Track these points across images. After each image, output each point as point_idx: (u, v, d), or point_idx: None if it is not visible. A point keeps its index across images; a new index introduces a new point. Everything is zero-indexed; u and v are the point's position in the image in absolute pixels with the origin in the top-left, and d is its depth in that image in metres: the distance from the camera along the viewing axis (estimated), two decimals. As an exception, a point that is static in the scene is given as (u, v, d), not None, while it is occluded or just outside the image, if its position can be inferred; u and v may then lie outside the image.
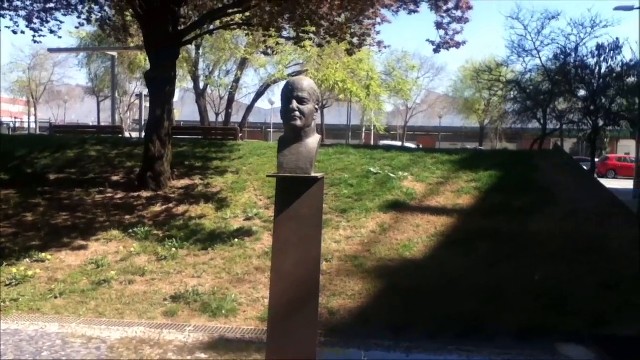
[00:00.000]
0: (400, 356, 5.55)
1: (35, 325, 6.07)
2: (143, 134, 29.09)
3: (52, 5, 12.23)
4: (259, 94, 33.31)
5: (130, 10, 12.12)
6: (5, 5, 11.83)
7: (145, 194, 10.59)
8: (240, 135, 20.44)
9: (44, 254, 7.98)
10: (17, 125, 52.00)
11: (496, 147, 44.57)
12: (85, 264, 7.83)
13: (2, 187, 11.08)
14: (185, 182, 11.32)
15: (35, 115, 51.04)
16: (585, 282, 7.03)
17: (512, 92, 23.55)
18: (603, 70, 20.11)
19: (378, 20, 10.81)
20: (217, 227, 9.10)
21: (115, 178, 11.67)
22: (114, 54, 26.36)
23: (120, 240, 8.64)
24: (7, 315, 6.37)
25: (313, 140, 4.06)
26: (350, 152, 12.93)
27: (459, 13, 10.14)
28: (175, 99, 23.52)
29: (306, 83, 3.94)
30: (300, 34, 11.93)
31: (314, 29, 10.72)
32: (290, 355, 3.91)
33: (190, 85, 33.92)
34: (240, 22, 12.09)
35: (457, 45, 10.67)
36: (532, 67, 23.37)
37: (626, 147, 44.91)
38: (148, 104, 12.26)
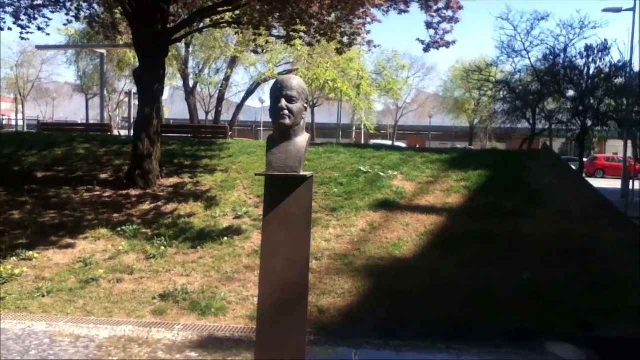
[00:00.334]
0: (391, 354, 5.56)
1: (22, 324, 6.00)
2: (132, 132, 28.99)
3: (39, 2, 12.09)
4: (249, 93, 33.25)
5: (119, 8, 12.04)
6: (-8, 2, 11.70)
7: (133, 192, 10.52)
8: (230, 133, 20.33)
9: (31, 253, 7.90)
10: (5, 122, 51.42)
11: (486, 147, 44.83)
12: (73, 262, 7.76)
13: (-11, 185, 10.96)
14: (174, 180, 11.26)
15: (23, 113, 50.53)
16: (575, 283, 7.06)
17: (501, 92, 23.69)
18: (592, 71, 20.29)
19: (368, 19, 10.82)
20: (206, 225, 9.06)
21: (103, 176, 11.59)
22: (103, 51, 26.16)
23: (109, 238, 8.58)
24: (-7, 314, 6.31)
25: (302, 139, 4.05)
26: (340, 151, 12.93)
27: (449, 13, 10.19)
28: (165, 96, 23.38)
29: (295, 82, 3.93)
30: (291, 33, 11.90)
31: (304, 27, 10.70)
32: (279, 356, 3.90)
33: (180, 83, 33.79)
34: (230, 20, 12.04)
35: (447, 44, 10.71)
36: (521, 67, 23.56)
37: (614, 147, 45.26)
38: (137, 102, 12.18)
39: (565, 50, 21.43)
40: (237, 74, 40.04)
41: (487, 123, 31.93)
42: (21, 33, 12.28)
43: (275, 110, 3.88)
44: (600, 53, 20.15)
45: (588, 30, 21.97)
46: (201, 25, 13.50)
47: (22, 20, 12.12)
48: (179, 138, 16.31)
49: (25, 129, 39.93)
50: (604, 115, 20.79)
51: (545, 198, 9.87)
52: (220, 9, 11.28)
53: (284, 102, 3.84)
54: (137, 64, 12.12)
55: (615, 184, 23.53)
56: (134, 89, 34.14)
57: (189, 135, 18.75)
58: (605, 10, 21.78)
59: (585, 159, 27.00)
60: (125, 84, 42.55)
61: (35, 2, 12.00)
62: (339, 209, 9.45)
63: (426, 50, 10.99)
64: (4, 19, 12.08)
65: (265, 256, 4.03)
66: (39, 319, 6.20)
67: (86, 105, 48.62)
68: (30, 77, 51.40)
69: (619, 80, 20.35)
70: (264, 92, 40.69)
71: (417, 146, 25.43)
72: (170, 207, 9.88)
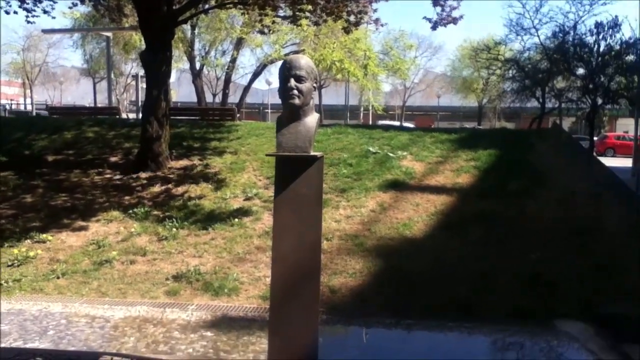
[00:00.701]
0: (402, 333, 5.61)
1: (39, 305, 6.11)
2: (140, 115, 29.02)
3: (45, -16, 12.05)
4: (256, 75, 33.08)
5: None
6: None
7: (143, 174, 10.57)
8: (238, 115, 20.31)
9: (44, 235, 7.99)
10: (13, 107, 51.64)
11: (495, 127, 44.53)
12: (86, 244, 7.85)
13: (0, 169, 11.05)
14: (183, 162, 11.30)
15: (32, 97, 50.67)
16: (580, 263, 7.06)
17: (510, 71, 23.40)
18: (602, 49, 19.95)
19: (374, -3, 10.73)
20: (216, 207, 9.11)
21: (113, 159, 11.65)
22: (109, 34, 26.07)
23: (121, 220, 8.65)
24: (10, 295, 6.41)
25: (312, 119, 4.03)
26: (349, 132, 12.90)
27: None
28: (172, 79, 23.35)
29: (304, 61, 3.89)
30: (296, 13, 11.80)
31: (310, 7, 10.60)
32: (292, 336, 3.94)
33: (187, 65, 33.66)
34: (236, 1, 11.94)
35: (454, 20, 10.55)
36: (530, 45, 23.19)
37: (624, 126, 44.84)
38: (144, 85, 12.14)
39: (574, 27, 21.02)
40: (243, 55, 39.95)
41: (496, 102, 31.67)
42: (27, 16, 12.27)
43: (284, 90, 3.87)
44: (610, 30, 19.73)
45: (598, 7, 21.69)
46: (206, 6, 13.41)
47: (28, 4, 12.09)
48: (187, 120, 16.35)
49: (34, 114, 40.07)
50: (614, 93, 20.50)
51: (556, 177, 9.82)
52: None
53: (293, 82, 3.82)
54: (143, 47, 12.07)
55: (626, 162, 23.36)
56: (141, 72, 34.08)
57: (197, 117, 18.77)
58: (616, -15, 21.38)
59: (595, 138, 26.76)
60: (132, 67, 42.43)
61: (40, -15, 11.96)
62: (349, 189, 9.46)
63: (434, 27, 10.85)
64: (9, 2, 12.03)
65: (277, 237, 4.03)
66: (55, 300, 6.30)
67: (93, 89, 48.61)
68: (37, 61, 51.42)
69: (630, 58, 20.04)
70: (271, 74, 40.56)
71: (432, 126, 25.26)
72: (180, 189, 9.92)
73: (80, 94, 61.24)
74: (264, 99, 54.20)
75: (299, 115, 3.96)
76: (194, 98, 33.45)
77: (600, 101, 21.19)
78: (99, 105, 40.93)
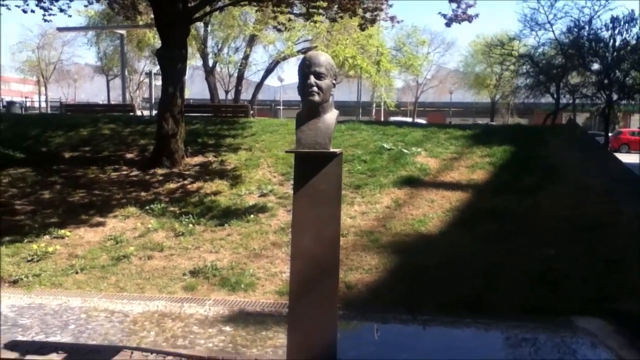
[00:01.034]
0: (419, 329, 5.62)
1: (59, 299, 6.19)
2: (154, 112, 29.18)
3: (62, -17, 12.17)
4: (268, 71, 33.13)
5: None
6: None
7: (160, 171, 10.67)
8: (252, 112, 20.38)
9: (63, 231, 8.09)
10: (28, 104, 52.18)
11: (507, 123, 44.24)
12: (104, 240, 7.94)
13: (18, 166, 11.21)
14: (199, 159, 11.38)
15: (46, 95, 51.16)
16: (594, 259, 7.01)
17: (524, 67, 23.30)
18: (617, 43, 19.83)
19: (390, -6, 10.70)
20: (232, 203, 9.16)
21: (129, 156, 11.76)
22: (123, 32, 26.24)
23: (138, 216, 8.74)
24: (30, 290, 6.50)
25: (331, 116, 4.03)
26: (363, 128, 12.91)
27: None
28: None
29: (323, 58, 3.90)
30: (311, 10, 11.81)
31: (325, 4, 10.61)
32: (311, 332, 3.96)
33: (199, 63, 33.79)
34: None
35: (470, 18, 10.49)
36: (545, 40, 23.12)
37: (638, 122, 44.39)
38: (158, 82, 12.22)
39: (590, 22, 20.98)
40: (255, 52, 39.95)
41: (510, 98, 31.48)
42: (44, 15, 12.42)
43: (304, 87, 3.87)
44: (626, 24, 19.70)
45: (614, 1, 21.47)
46: (221, 3, 13.46)
47: (44, 2, 12.23)
48: (200, 117, 16.44)
49: (49, 111, 40.48)
50: (630, 88, 20.36)
51: (571, 173, 9.77)
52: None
53: (312, 79, 3.82)
54: (157, 45, 12.18)
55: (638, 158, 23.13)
56: (155, 69, 34.28)
57: (210, 114, 18.87)
58: (633, -21, 21.18)
59: (609, 134, 26.54)
60: (145, 64, 42.71)
61: (57, -16, 12.08)
62: (363, 186, 9.47)
63: (448, 24, 10.79)
64: (27, 1, 12.17)
65: (296, 233, 4.06)
66: (74, 294, 6.38)
67: (107, 86, 48.96)
68: (52, 59, 51.86)
69: (646, 53, 19.88)
70: (283, 71, 40.67)
71: (451, 122, 25.09)
72: (196, 185, 10.00)
73: (93, 91, 61.77)
74: (276, 95, 54.31)
75: (318, 112, 3.95)
76: (206, 95, 33.59)
77: (615, 97, 21.08)
78: (112, 102, 41.29)
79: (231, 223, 8.31)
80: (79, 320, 5.62)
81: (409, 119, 41.80)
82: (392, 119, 38.73)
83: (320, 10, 11.69)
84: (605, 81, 19.94)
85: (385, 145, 11.31)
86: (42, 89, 53.72)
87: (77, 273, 6.93)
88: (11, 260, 7.26)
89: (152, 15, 16.72)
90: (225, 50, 34.21)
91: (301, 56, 29.33)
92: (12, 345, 4.66)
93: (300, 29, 23.76)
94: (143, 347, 4.79)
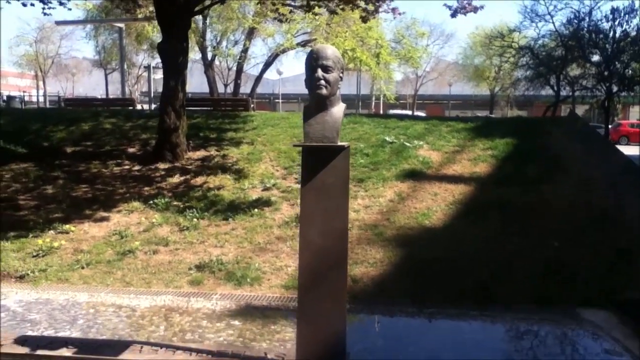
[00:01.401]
0: (425, 322, 5.65)
1: (66, 294, 6.21)
2: (153, 106, 29.09)
3: (61, -24, 12.11)
4: (268, 64, 33.03)
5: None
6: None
7: (162, 165, 10.67)
8: (252, 106, 20.35)
9: (67, 226, 8.10)
10: (26, 99, 52.00)
11: (507, 115, 44.22)
12: (109, 235, 7.95)
13: (20, 161, 11.20)
14: (201, 153, 11.37)
15: (44, 89, 50.99)
16: (601, 250, 7.05)
17: (524, 59, 23.30)
18: (618, 35, 19.83)
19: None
20: (236, 197, 9.17)
21: (131, 150, 11.75)
22: (122, 25, 26.15)
23: (142, 211, 8.75)
24: (36, 285, 6.52)
25: (338, 109, 4.05)
26: (364, 122, 12.90)
27: (477, -23, 9.95)
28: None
29: (330, 51, 3.91)
30: (311, 2, 11.77)
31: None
32: (320, 323, 4.00)
33: (198, 56, 33.68)
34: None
35: (475, 9, 10.45)
36: (545, 32, 23.13)
37: (638, 114, 44.45)
38: (156, 76, 12.15)
39: (590, 13, 20.98)
40: (254, 45, 39.78)
41: (509, 90, 31.47)
42: (43, 8, 12.37)
43: (311, 80, 3.88)
44: (627, 15, 19.70)
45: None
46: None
47: (44, -5, 12.18)
48: (200, 111, 16.41)
49: (47, 105, 40.39)
50: (630, 80, 20.38)
51: (572, 165, 9.78)
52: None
53: (320, 72, 3.84)
54: (155, 38, 12.14)
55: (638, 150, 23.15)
56: (153, 63, 34.19)
57: (210, 108, 18.84)
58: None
59: (609, 126, 26.57)
60: (144, 58, 42.58)
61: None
62: (366, 179, 9.48)
63: (453, 15, 10.74)
64: (26, -6, 12.11)
65: (304, 226, 4.08)
66: (81, 289, 6.41)
67: (105, 80, 48.77)
68: (50, 53, 51.67)
69: (646, 44, 19.89)
70: (282, 64, 40.52)
71: (458, 115, 24.98)
72: (199, 179, 10.00)
73: (91, 85, 61.49)
74: (274, 88, 54.20)
75: (325, 105, 3.97)
76: (204, 89, 33.50)
77: (615, 88, 21.08)
78: (110, 96, 41.16)
79: (235, 217, 8.33)
80: (87, 315, 5.65)
81: (408, 112, 41.76)
82: (391, 111, 38.67)
83: (320, 2, 11.65)
84: (606, 73, 19.96)
85: (387, 139, 11.31)
86: (40, 83, 53.53)
87: (83, 268, 6.95)
88: (17, 255, 7.27)
89: (152, 8, 16.71)
90: (224, 43, 34.13)
91: (300, 49, 29.12)
92: (22, 341, 4.68)
93: (299, 21, 23.66)
94: (152, 341, 4.82)
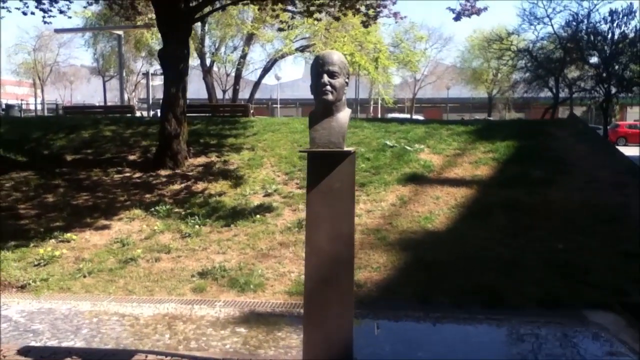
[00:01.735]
0: (432, 326, 5.60)
1: (68, 304, 6.16)
2: (151, 113, 29.09)
3: (61, -16, 12.11)
4: (266, 70, 33.08)
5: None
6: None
7: (163, 172, 10.64)
8: (252, 111, 20.34)
9: (68, 234, 8.06)
10: (24, 107, 52.01)
11: (505, 118, 44.29)
12: (111, 243, 7.91)
13: (21, 169, 11.17)
14: (202, 159, 11.35)
15: (43, 97, 50.99)
16: (608, 252, 7.03)
17: (522, 61, 23.35)
18: (616, 37, 19.88)
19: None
20: (237, 203, 9.14)
21: (132, 157, 11.72)
22: (120, 32, 26.17)
23: (143, 218, 8.71)
24: (38, 294, 6.47)
25: (344, 115, 4.05)
26: (365, 126, 12.90)
27: (480, -21, 9.93)
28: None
29: (336, 57, 3.91)
30: (310, 8, 11.76)
31: (328, 1, 10.58)
32: (327, 329, 3.96)
33: (196, 62, 33.71)
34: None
35: (478, 12, 10.43)
36: (543, 35, 23.18)
37: (635, 114, 44.55)
38: (155, 83, 12.11)
39: (588, 15, 21.03)
40: (253, 51, 39.85)
41: (508, 93, 31.51)
42: (43, 17, 12.36)
43: (317, 86, 3.87)
44: (625, 17, 19.75)
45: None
46: (223, 2, 13.41)
47: (44, 4, 12.18)
48: (200, 117, 16.39)
49: (46, 113, 40.38)
50: (628, 81, 20.41)
51: (575, 166, 9.79)
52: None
53: (326, 78, 3.83)
54: (154, 45, 12.12)
55: (638, 151, 23.18)
56: (152, 70, 34.23)
57: (209, 114, 18.82)
58: (631, -28, 21.20)
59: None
60: (142, 64, 42.60)
61: (56, -14, 12.02)
62: (368, 184, 9.46)
63: (457, 18, 10.71)
64: (26, 3, 12.11)
65: (311, 231, 4.06)
66: (83, 298, 6.35)
67: (104, 88, 48.80)
68: (48, 60, 51.68)
69: (644, 45, 19.93)
70: (280, 69, 40.54)
71: (463, 118, 24.99)
72: (200, 186, 9.98)
73: (90, 92, 61.59)
74: (272, 94, 54.23)
75: (331, 111, 3.97)
76: (202, 95, 33.49)
77: (614, 90, 21.12)
78: (108, 103, 41.18)
79: (237, 223, 8.30)
80: (90, 324, 5.60)
81: (407, 115, 41.81)
82: (390, 115, 38.71)
83: (325, 7, 11.61)
84: (604, 74, 19.99)
85: (388, 143, 11.30)
86: (38, 91, 53.52)
87: (84, 277, 6.90)
88: (18, 265, 7.23)
89: (151, 15, 16.72)
90: (222, 49, 34.16)
91: (299, 54, 29.16)
92: (25, 351, 4.64)
93: (298, 26, 23.73)
94: (157, 350, 4.78)
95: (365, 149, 11.07)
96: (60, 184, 10.35)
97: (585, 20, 20.85)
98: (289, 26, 14.46)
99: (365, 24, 12.22)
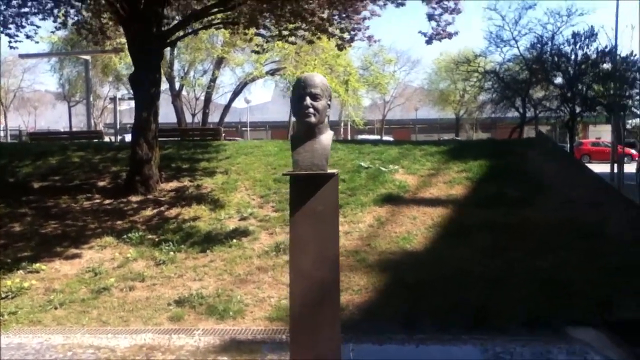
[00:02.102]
0: (417, 348, 5.53)
1: (39, 337, 5.89)
2: (119, 138, 28.60)
3: (27, 9, 11.88)
4: (236, 93, 33.06)
5: (109, 12, 11.89)
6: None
7: (134, 198, 10.39)
8: (224, 135, 20.20)
9: (37, 265, 7.75)
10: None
11: (472, 138, 45.07)
12: (82, 272, 7.64)
13: (-15, 198, 10.76)
14: (174, 184, 11.14)
15: (6, 124, 49.75)
16: (587, 268, 7.10)
17: (490, 82, 23.87)
18: (579, 58, 20.50)
19: (367, 14, 10.78)
20: (212, 228, 8.97)
21: (101, 183, 11.43)
22: (88, 57, 25.81)
23: (115, 246, 8.46)
24: (7, 329, 6.17)
25: (327, 137, 4.05)
26: (339, 148, 12.89)
27: (451, 4, 10.13)
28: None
29: (318, 79, 3.93)
30: (283, 32, 11.79)
31: (304, 25, 10.63)
32: (315, 354, 3.88)
33: (165, 86, 33.45)
34: (225, 20, 11.87)
35: (449, 35, 10.65)
36: (510, 56, 23.75)
37: (597, 133, 45.85)
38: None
39: (552, 37, 21.66)
40: (223, 74, 39.78)
41: (477, 113, 32.11)
42: (10, 42, 12.10)
43: (299, 108, 3.87)
44: (587, 39, 20.41)
45: (575, 17, 22.35)
46: (196, 27, 13.35)
47: (10, 29, 11.93)
48: (171, 142, 16.17)
49: (9, 140, 39.41)
50: (592, 100, 21.01)
51: (548, 184, 9.93)
52: (216, 9, 11.14)
53: (308, 100, 3.83)
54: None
55: (602, 168, 23.73)
56: (119, 94, 33.82)
57: (178, 138, 18.62)
58: (591, -4, 22.01)
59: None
60: (110, 89, 42.06)
61: (22, 10, 11.79)
62: (344, 205, 9.41)
63: (428, 42, 10.90)
64: (-8, 28, 11.85)
65: (295, 255, 4.01)
66: (55, 331, 6.09)
67: (69, 113, 47.95)
68: (11, 86, 50.58)
69: (606, 66, 20.59)
70: (250, 92, 40.57)
71: (439, 139, 25.29)
72: (173, 211, 9.77)
73: (54, 118, 60.37)
74: (241, 117, 54.13)
75: (314, 133, 3.95)
76: (171, 119, 33.16)
77: (578, 109, 21.72)
78: (74, 129, 40.46)
79: (213, 249, 8.12)
80: (64, 358, 5.36)
81: (377, 137, 42.18)
82: (360, 137, 38.99)
83: (300, 31, 11.65)
84: (569, 94, 20.54)
85: (362, 164, 11.31)
86: (1, 117, 52.23)
87: (56, 308, 6.63)
88: (-16, 298, 6.91)
89: (119, 40, 16.55)
90: (192, 73, 34.02)
91: (269, 77, 29.23)
92: (-5, 390, 4.39)
93: (269, 50, 23.81)
94: (135, 383, 4.58)
95: (341, 171, 11.02)
96: (27, 213, 10.00)
97: (550, 43, 21.50)
98: (263, 49, 14.46)
99: (340, 47, 12.31)
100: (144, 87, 10.56)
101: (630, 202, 9.57)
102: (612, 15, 28.21)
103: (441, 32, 10.53)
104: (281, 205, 9.51)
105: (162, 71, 28.29)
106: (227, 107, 33.31)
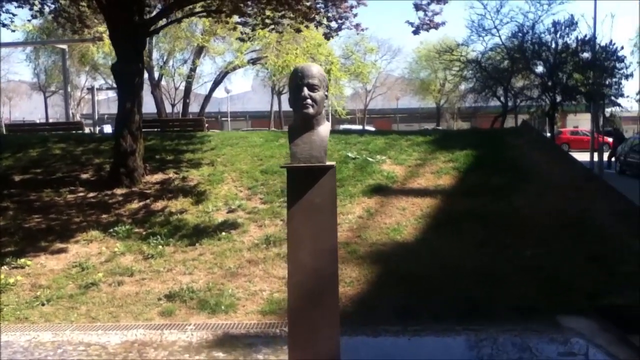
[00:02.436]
0: (411, 340, 5.53)
1: (27, 335, 5.77)
2: (97, 129, 28.17)
3: (2, -3, 11.55)
4: (217, 83, 32.72)
5: (86, 0, 11.62)
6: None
7: (119, 191, 10.20)
8: (207, 125, 19.97)
9: (22, 260, 7.57)
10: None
11: (453, 127, 45.36)
12: (69, 267, 7.49)
13: (-36, 192, 10.49)
14: (159, 176, 10.97)
15: (-20, 115, 48.69)
16: (575, 256, 7.19)
17: (471, 72, 23.90)
18: (559, 47, 20.61)
19: (354, 2, 10.67)
20: (200, 221, 8.86)
21: (84, 176, 11.20)
22: (65, 46, 25.25)
23: (101, 240, 8.31)
24: (-7, 326, 6.04)
25: (325, 128, 3.99)
26: (324, 138, 12.81)
27: (437, -6, 10.10)
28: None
29: (315, 69, 3.86)
30: (267, 20, 11.63)
31: (290, 13, 10.50)
32: (314, 348, 3.85)
33: (144, 76, 32.98)
34: (208, 9, 11.67)
35: (437, 26, 10.61)
36: (492, 45, 23.75)
37: (574, 121, 46.51)
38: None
39: (533, 26, 21.72)
40: (203, 64, 39.31)
41: (459, 102, 32.22)
42: (-15, 31, 11.77)
43: (297, 99, 3.80)
44: (567, 28, 20.50)
45: (556, 6, 22.42)
46: (179, 15, 13.12)
47: (-16, 18, 11.61)
48: (154, 133, 15.95)
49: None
50: (572, 89, 21.16)
51: (534, 173, 10.00)
52: (199, -3, 10.95)
53: (306, 91, 3.77)
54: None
55: (581, 157, 24.07)
56: (97, 84, 33.26)
57: (157, 129, 18.38)
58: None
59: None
60: (87, 79, 41.32)
61: (-3, -3, 11.46)
62: (333, 196, 9.35)
63: (415, 32, 10.85)
64: (-34, 17, 11.50)
65: (293, 248, 3.98)
66: (43, 328, 5.97)
67: (45, 104, 47.06)
68: (-16, 77, 49.39)
69: (586, 55, 20.75)
70: (230, 82, 40.18)
71: (427, 129, 25.30)
72: (159, 204, 9.61)
73: (29, 109, 59.14)
74: (221, 107, 53.65)
75: (312, 124, 3.89)
76: (150, 109, 32.70)
77: (559, 98, 21.90)
78: (50, 120, 39.72)
79: (202, 242, 8.03)
80: (54, 356, 5.26)
81: (359, 127, 42.18)
82: (342, 127, 38.97)
83: (287, 19, 11.51)
84: (549, 83, 20.66)
85: (349, 155, 11.26)
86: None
87: (43, 305, 6.50)
88: (-32, 295, 6.75)
89: (100, 28, 16.22)
90: (171, 62, 33.57)
91: (250, 66, 28.92)
92: (-15, 391, 4.29)
93: (255, 38, 23.59)
94: (130, 381, 4.51)
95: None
96: (9, 207, 9.76)
97: (531, 31, 21.56)
98: (249, 37, 14.28)
99: (327, 36, 12.20)
100: (128, 77, 10.34)
101: (612, 190, 9.67)
102: (591, 4, 28.53)
103: (428, 22, 10.50)
104: (269, 197, 9.44)
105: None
106: (207, 97, 32.96)
